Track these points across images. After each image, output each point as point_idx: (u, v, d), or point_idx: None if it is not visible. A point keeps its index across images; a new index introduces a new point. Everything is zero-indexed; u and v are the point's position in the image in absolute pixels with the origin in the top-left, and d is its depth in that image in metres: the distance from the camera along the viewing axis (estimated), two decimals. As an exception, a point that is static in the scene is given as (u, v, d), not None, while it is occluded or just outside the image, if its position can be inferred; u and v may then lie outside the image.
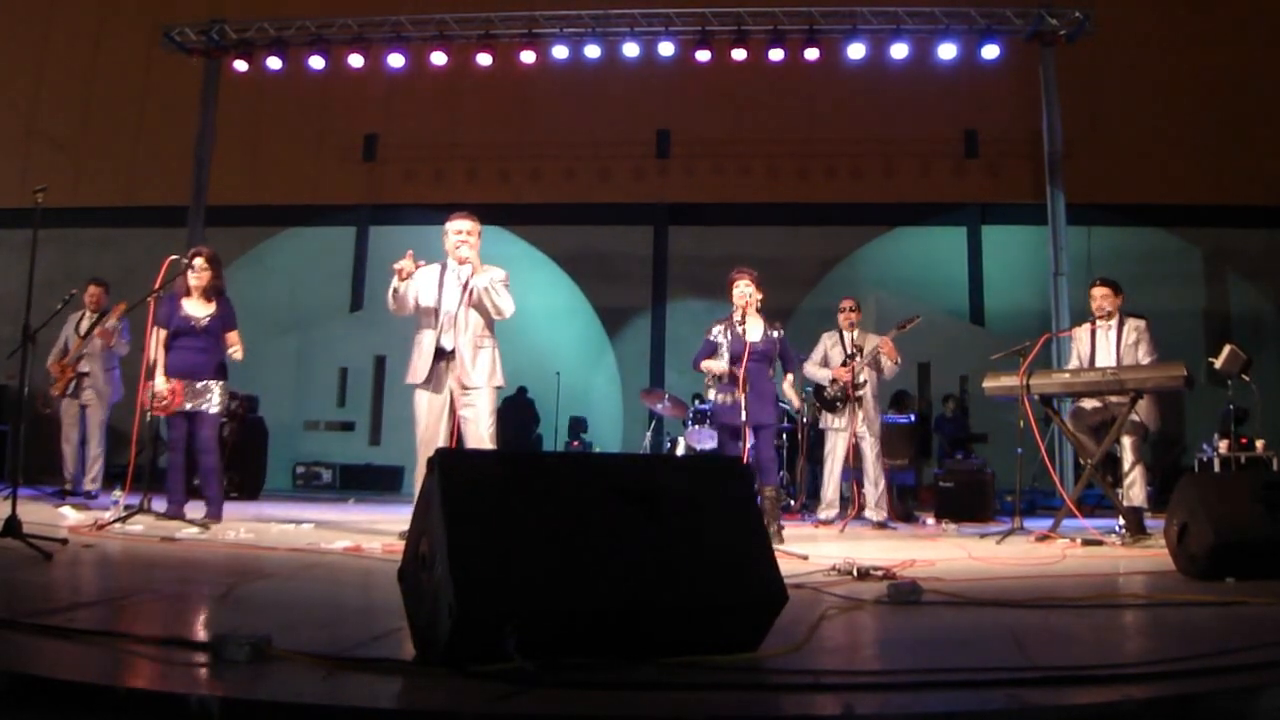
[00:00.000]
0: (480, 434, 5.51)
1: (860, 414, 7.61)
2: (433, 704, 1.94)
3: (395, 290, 5.54)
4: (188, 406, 6.03)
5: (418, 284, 5.62)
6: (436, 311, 5.59)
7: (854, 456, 7.66)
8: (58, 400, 8.04)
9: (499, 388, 5.68)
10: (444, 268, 5.69)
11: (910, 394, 11.11)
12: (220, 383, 6.17)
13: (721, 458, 6.20)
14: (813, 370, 7.85)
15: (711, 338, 6.48)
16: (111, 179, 14.11)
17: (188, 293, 6.18)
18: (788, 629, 2.54)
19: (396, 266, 5.47)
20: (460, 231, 5.62)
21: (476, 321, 5.60)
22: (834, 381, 7.66)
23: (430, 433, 5.54)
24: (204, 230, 11.24)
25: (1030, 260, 12.56)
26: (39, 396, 8.22)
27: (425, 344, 5.57)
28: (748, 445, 6.05)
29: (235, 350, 6.23)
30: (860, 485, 7.70)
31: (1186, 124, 12.70)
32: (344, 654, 2.25)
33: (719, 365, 6.37)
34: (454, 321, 5.56)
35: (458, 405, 5.57)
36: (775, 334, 6.46)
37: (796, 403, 7.30)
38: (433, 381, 5.56)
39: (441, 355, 5.55)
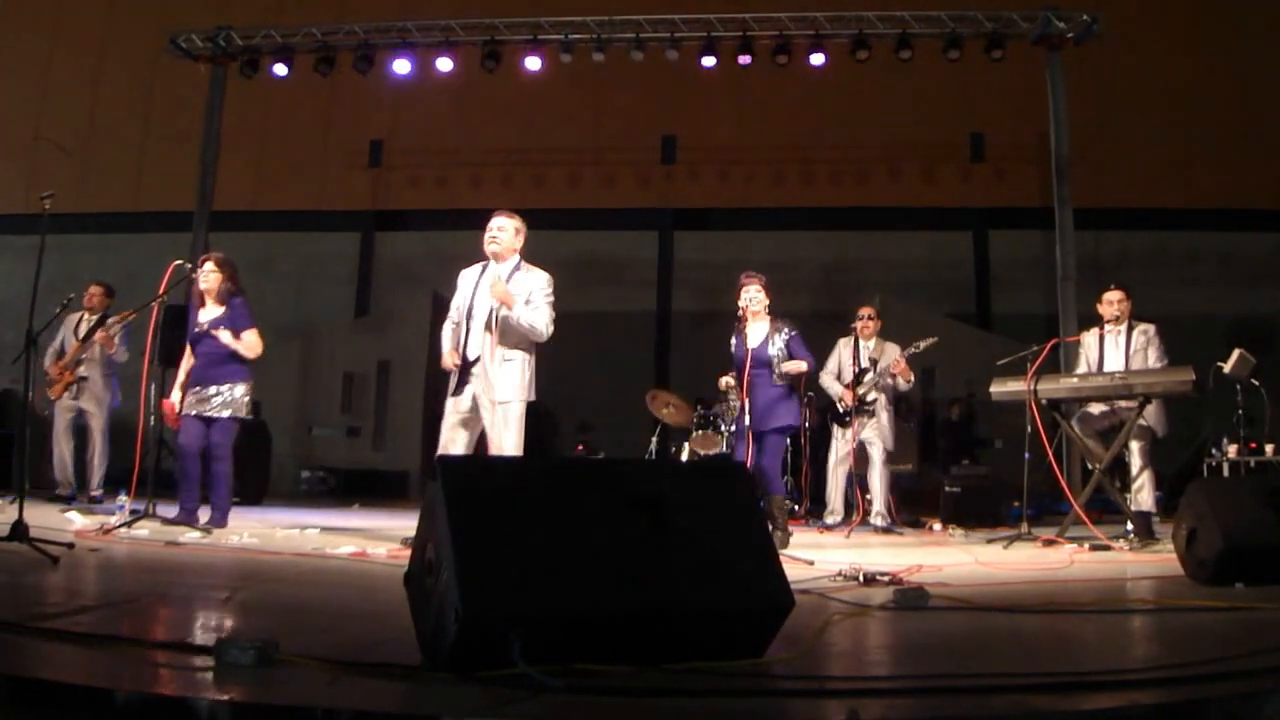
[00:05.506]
0: (503, 449, 5.13)
1: (873, 421, 7.63)
2: (438, 709, 1.93)
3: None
4: (208, 413, 5.97)
5: (460, 287, 5.46)
6: (467, 316, 5.33)
7: (860, 461, 7.66)
8: (54, 403, 7.89)
9: (529, 402, 5.31)
10: (484, 267, 5.43)
11: (912, 400, 11.06)
12: (234, 385, 6.03)
13: (726, 463, 6.15)
14: (828, 382, 7.84)
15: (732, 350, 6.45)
16: (117, 184, 14.13)
17: (202, 300, 6.17)
18: (794, 634, 2.53)
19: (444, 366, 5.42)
20: (490, 229, 5.38)
21: (507, 332, 5.22)
22: (842, 400, 7.68)
23: (449, 441, 5.25)
24: (209, 236, 11.24)
25: (1037, 264, 12.53)
26: (36, 398, 8.05)
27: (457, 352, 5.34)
28: (750, 451, 6.05)
29: (236, 343, 5.99)
30: (864, 491, 7.69)
31: (1194, 127, 12.66)
32: (349, 659, 2.25)
33: (728, 379, 6.49)
34: (480, 331, 5.26)
35: (483, 417, 5.23)
36: (780, 336, 6.19)
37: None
38: (461, 390, 5.27)
39: (468, 364, 5.25)
